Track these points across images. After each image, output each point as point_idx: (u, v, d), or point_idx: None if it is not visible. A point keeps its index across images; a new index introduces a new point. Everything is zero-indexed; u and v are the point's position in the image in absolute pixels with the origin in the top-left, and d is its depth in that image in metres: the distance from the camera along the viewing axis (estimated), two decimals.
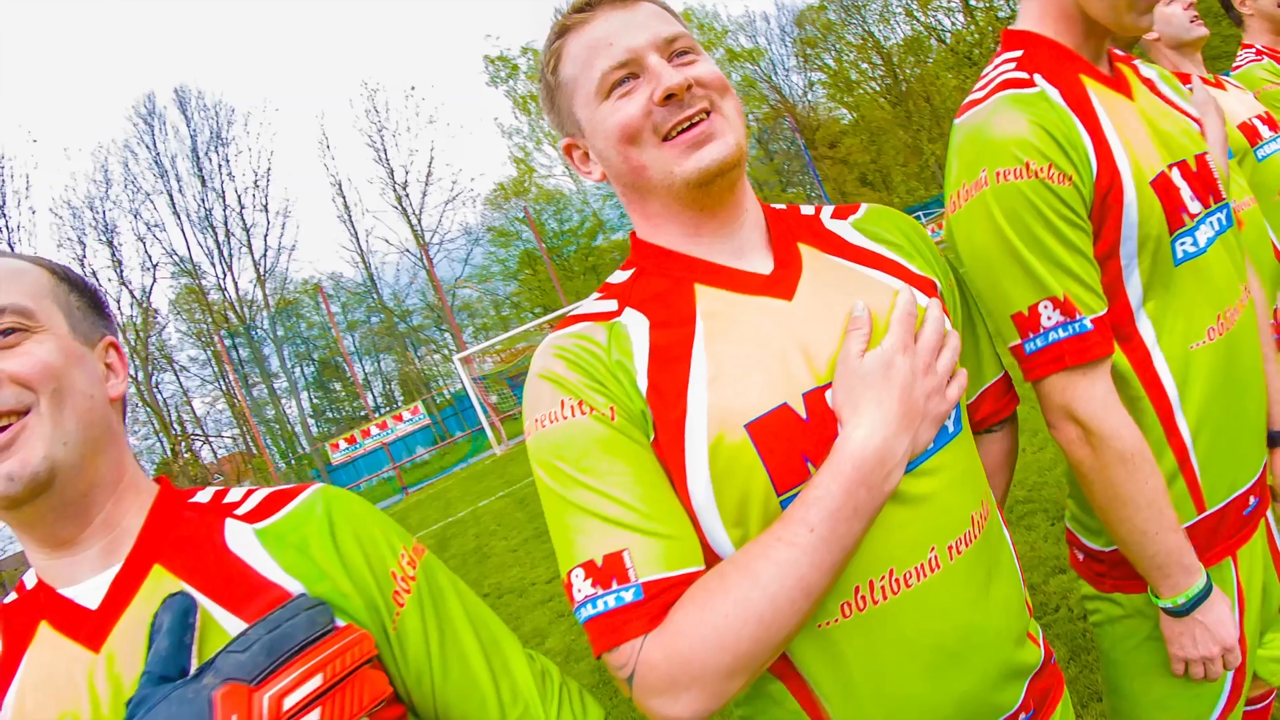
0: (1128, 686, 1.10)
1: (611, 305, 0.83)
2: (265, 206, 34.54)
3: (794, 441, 0.73)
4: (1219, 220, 0.99)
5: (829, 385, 0.75)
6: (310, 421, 32.96)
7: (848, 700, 0.76)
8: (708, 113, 0.78)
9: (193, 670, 0.60)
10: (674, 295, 0.81)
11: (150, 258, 33.89)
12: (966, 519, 0.78)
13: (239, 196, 34.03)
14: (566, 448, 0.74)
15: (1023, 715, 0.82)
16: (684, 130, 0.78)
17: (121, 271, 33.50)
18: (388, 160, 32.58)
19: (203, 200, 33.67)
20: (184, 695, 0.56)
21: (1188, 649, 0.97)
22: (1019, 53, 0.98)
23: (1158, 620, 1.02)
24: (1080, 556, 1.14)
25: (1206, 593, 0.95)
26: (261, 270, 33.75)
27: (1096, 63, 0.99)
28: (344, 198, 32.69)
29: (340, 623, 0.63)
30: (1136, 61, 1.09)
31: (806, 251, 0.84)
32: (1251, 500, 1.02)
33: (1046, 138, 0.89)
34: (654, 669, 0.67)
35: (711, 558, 0.75)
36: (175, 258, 33.89)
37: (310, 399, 33.49)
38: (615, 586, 0.70)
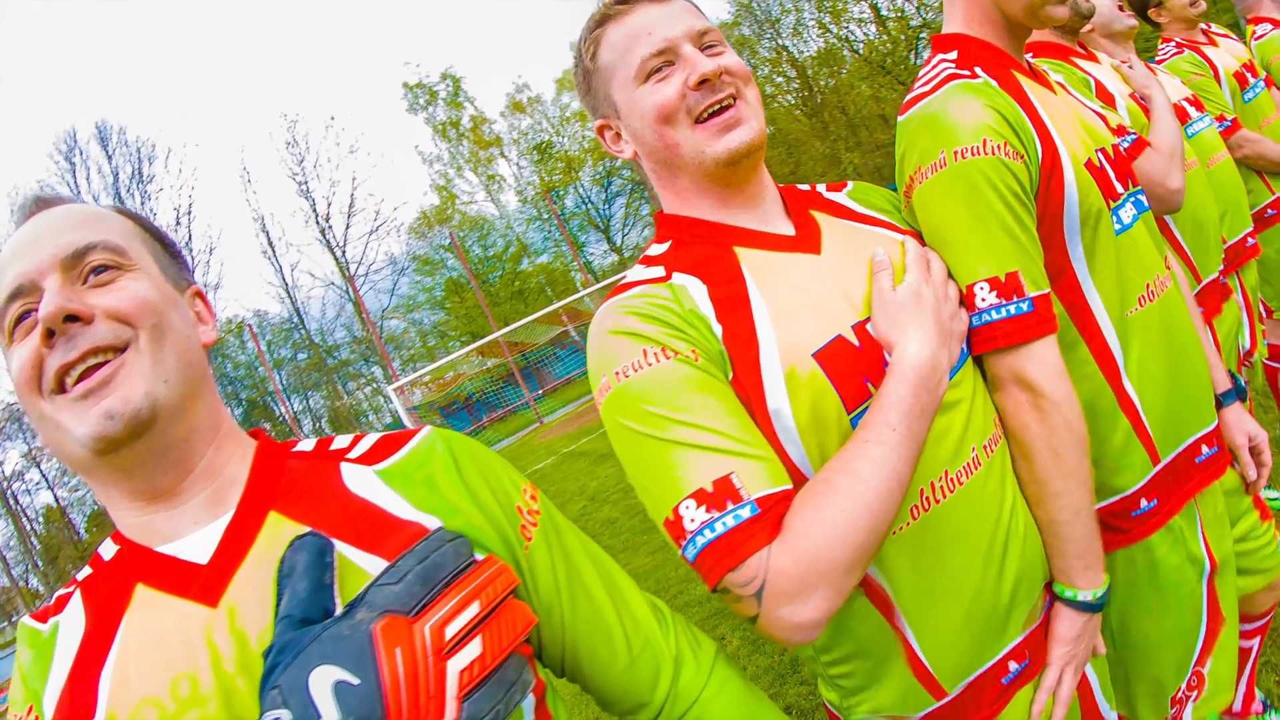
0: (1123, 634, 1.12)
1: (659, 271, 0.89)
2: (189, 244, 33.88)
3: (854, 366, 0.83)
4: (1135, 203, 1.08)
5: (868, 319, 0.86)
6: None
7: (922, 598, 0.85)
8: (734, 99, 0.87)
9: (338, 610, 0.56)
10: (717, 258, 0.88)
11: None
12: (991, 422, 0.91)
13: None
14: (656, 391, 0.79)
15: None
16: (715, 114, 0.86)
17: None
18: (310, 192, 32.15)
19: None
20: (338, 633, 0.52)
21: (1075, 652, 0.95)
22: (954, 53, 1.05)
23: (1145, 563, 1.06)
24: None
25: (1109, 591, 0.98)
26: None
27: (1021, 60, 1.08)
28: (267, 232, 32.14)
29: (479, 556, 0.59)
30: (1045, 67, 1.18)
31: (819, 217, 0.96)
32: (1204, 449, 1.10)
33: (1000, 119, 0.95)
34: (784, 573, 0.73)
35: (798, 478, 0.82)
36: None
37: None
38: (731, 507, 0.75)
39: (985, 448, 0.88)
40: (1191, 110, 2.15)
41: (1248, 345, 2.12)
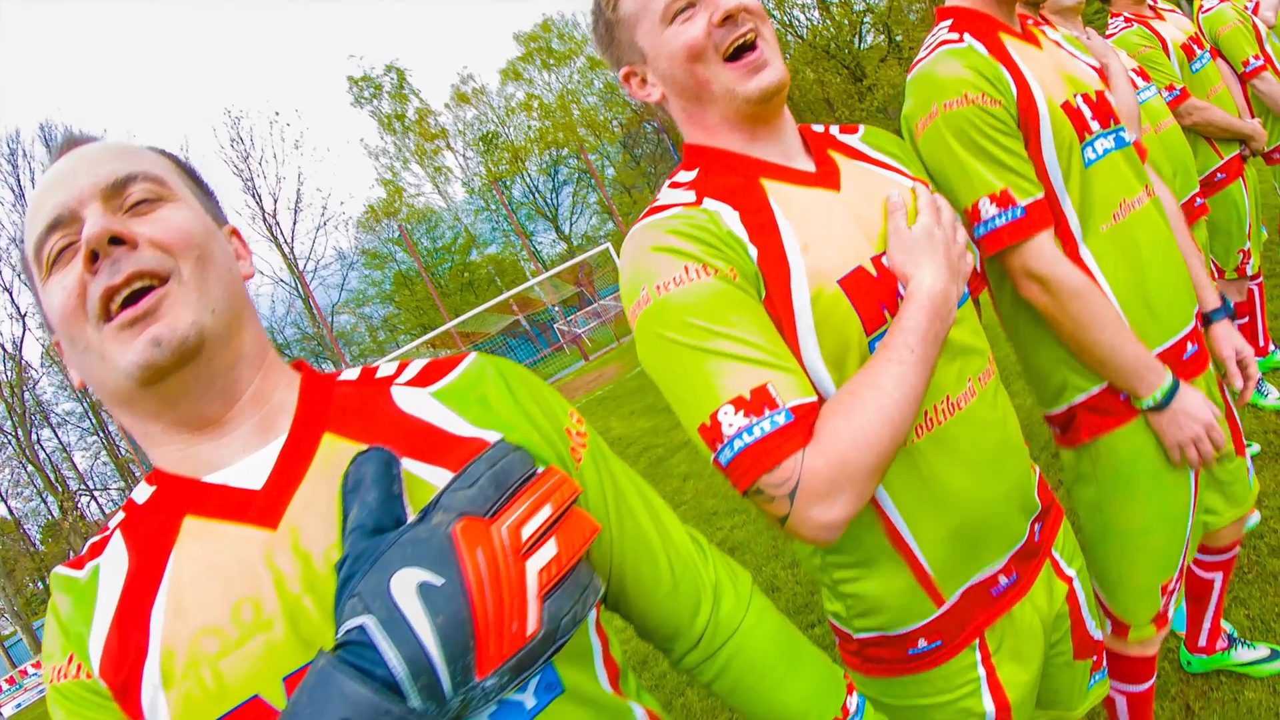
0: (1114, 524, 1.29)
1: (690, 195, 0.94)
2: None
3: (873, 294, 0.91)
4: (1115, 139, 1.26)
5: (884, 253, 0.94)
6: None
7: (924, 508, 0.94)
8: (755, 36, 0.93)
9: (410, 519, 0.55)
10: (745, 188, 0.94)
11: (19, 308, 32.38)
12: (985, 356, 1.01)
13: None
14: (697, 305, 0.84)
15: (1041, 512, 1.06)
16: (742, 55, 0.93)
17: None
18: (255, 189, 31.81)
19: None
20: (416, 536, 0.51)
21: (1177, 434, 1.19)
22: (949, 21, 1.27)
23: (1131, 449, 1.24)
24: (1059, 432, 1.34)
25: (1176, 385, 1.18)
26: None
27: (1010, 23, 1.28)
28: None
29: (540, 469, 0.58)
30: (1045, 28, 1.39)
31: (836, 157, 1.02)
32: (1189, 346, 1.28)
33: (978, 75, 1.17)
34: (817, 474, 0.79)
35: (819, 394, 0.89)
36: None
37: None
38: (768, 413, 0.80)
39: (979, 379, 0.98)
40: (1139, 80, 2.38)
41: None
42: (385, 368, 0.74)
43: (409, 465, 0.62)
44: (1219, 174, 2.66)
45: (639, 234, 0.92)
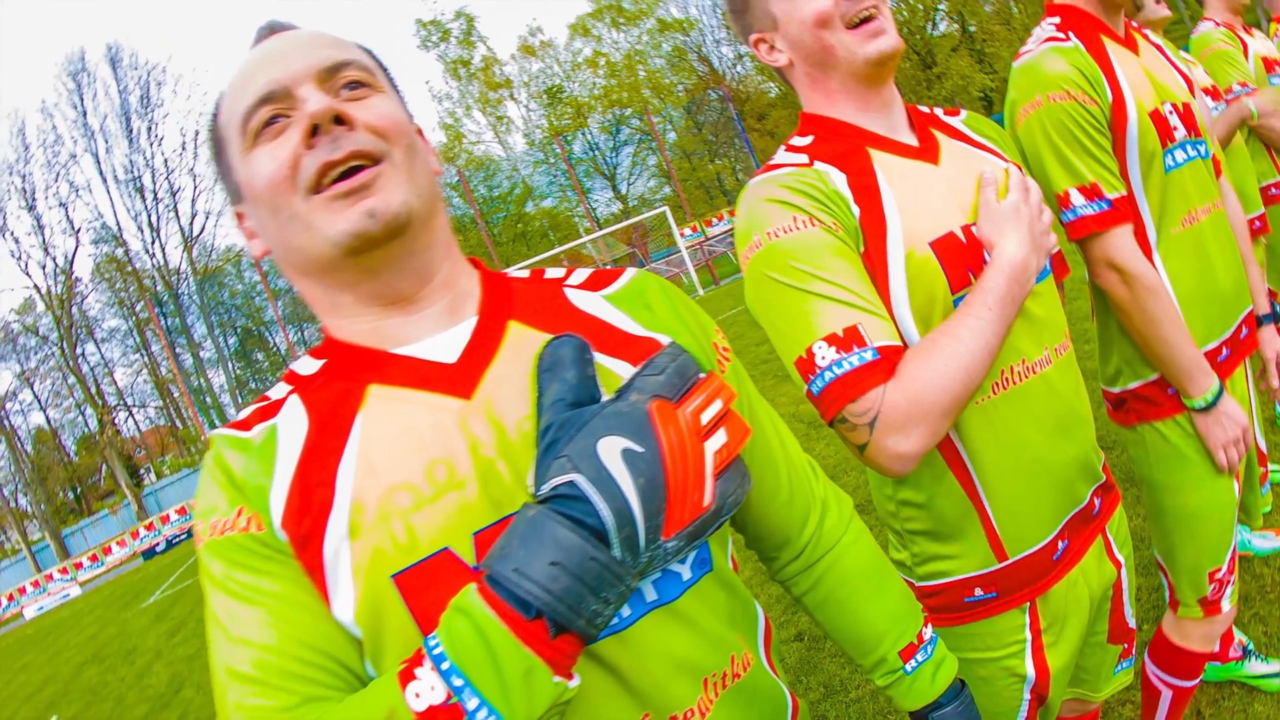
0: (1165, 503, 1.39)
1: (803, 158, 1.03)
2: (192, 171, 33.70)
3: (960, 257, 0.99)
4: (1194, 149, 1.33)
5: (974, 224, 1.01)
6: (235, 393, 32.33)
7: (997, 463, 1.01)
8: (876, 11, 1.02)
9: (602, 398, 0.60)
10: (853, 154, 1.03)
11: (73, 223, 32.85)
12: (1062, 330, 1.08)
13: (166, 161, 33.12)
14: (802, 251, 0.94)
15: (1100, 487, 1.13)
16: (862, 23, 1.02)
17: (44, 235, 32.38)
18: None
19: (131, 162, 32.65)
20: (618, 410, 0.56)
21: (1220, 435, 1.28)
22: (1057, 19, 1.34)
23: (1179, 439, 1.33)
24: (1112, 408, 1.44)
25: (1221, 390, 1.28)
26: (189, 236, 32.93)
27: (1114, 27, 1.35)
28: None
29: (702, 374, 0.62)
30: (1147, 31, 1.47)
31: (938, 135, 1.10)
32: (1224, 350, 1.37)
33: (1079, 74, 1.25)
34: (896, 408, 0.88)
35: (905, 342, 0.98)
36: (100, 221, 32.80)
37: (234, 369, 32.85)
38: (857, 350, 0.90)
39: (1056, 349, 1.05)
40: (1208, 99, 2.43)
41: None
42: (552, 271, 0.79)
43: (595, 355, 0.66)
44: (1274, 188, 2.65)
45: (755, 187, 1.01)
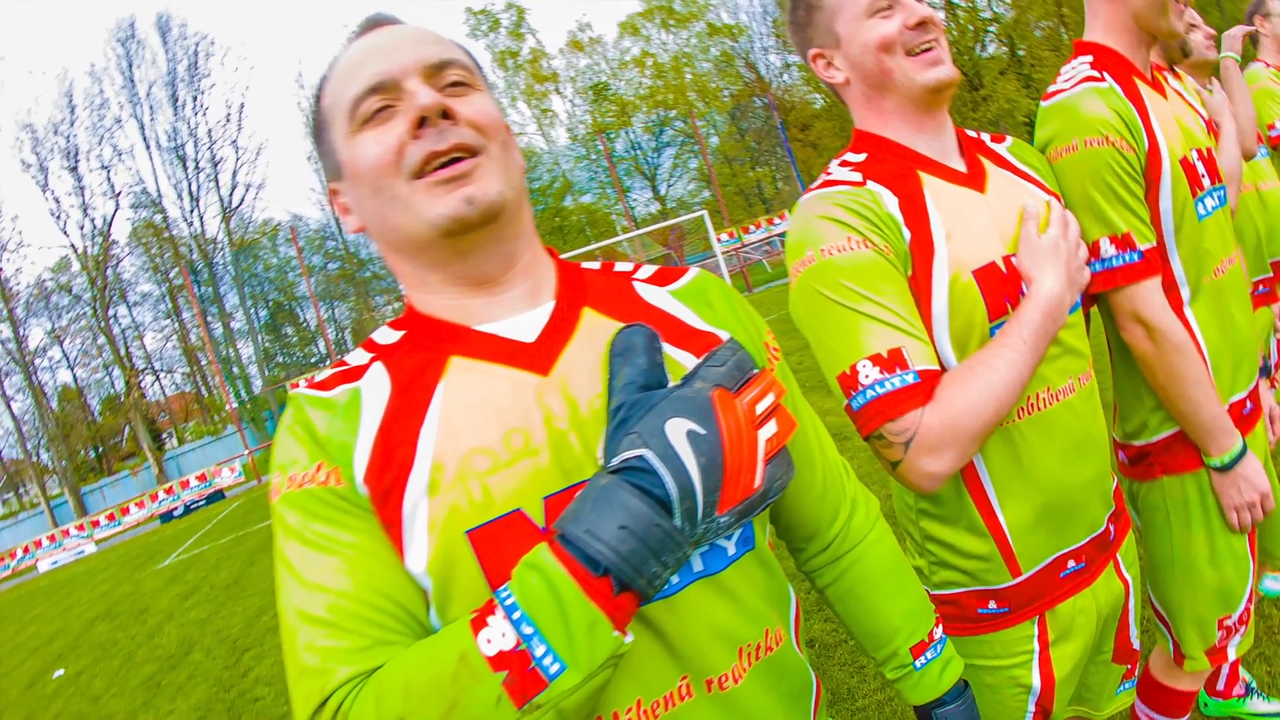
0: (1179, 552, 1.33)
1: (857, 176, 1.06)
2: (235, 143, 34.02)
3: (1000, 287, 1.02)
4: (1218, 196, 1.30)
5: (1014, 255, 1.04)
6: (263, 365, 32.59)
7: (1012, 480, 1.04)
8: (935, 42, 1.06)
9: (669, 384, 0.65)
10: (904, 177, 1.06)
11: (114, 187, 33.25)
12: (1087, 362, 1.11)
13: (209, 131, 33.46)
14: (854, 271, 0.97)
15: (1113, 511, 1.15)
16: (922, 53, 1.05)
17: (84, 196, 32.79)
18: None
19: (175, 130, 33.01)
20: (684, 395, 0.60)
21: (1236, 498, 1.25)
22: (1090, 58, 1.28)
23: (1198, 491, 1.29)
24: (1127, 462, 1.39)
25: (1243, 451, 1.23)
26: (227, 207, 33.24)
27: (1143, 69, 1.30)
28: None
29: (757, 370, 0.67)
30: (1167, 74, 1.42)
31: (985, 162, 1.12)
32: (1248, 404, 1.35)
33: (1118, 119, 1.20)
34: (932, 430, 0.92)
35: (942, 367, 1.01)
36: (141, 187, 33.17)
37: (262, 342, 33.11)
38: (899, 372, 0.94)
39: (1079, 378, 1.08)
40: (1258, 145, 2.38)
41: (1276, 357, 2.36)
42: (620, 265, 0.84)
43: (663, 345, 0.70)
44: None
45: (810, 202, 1.04)
